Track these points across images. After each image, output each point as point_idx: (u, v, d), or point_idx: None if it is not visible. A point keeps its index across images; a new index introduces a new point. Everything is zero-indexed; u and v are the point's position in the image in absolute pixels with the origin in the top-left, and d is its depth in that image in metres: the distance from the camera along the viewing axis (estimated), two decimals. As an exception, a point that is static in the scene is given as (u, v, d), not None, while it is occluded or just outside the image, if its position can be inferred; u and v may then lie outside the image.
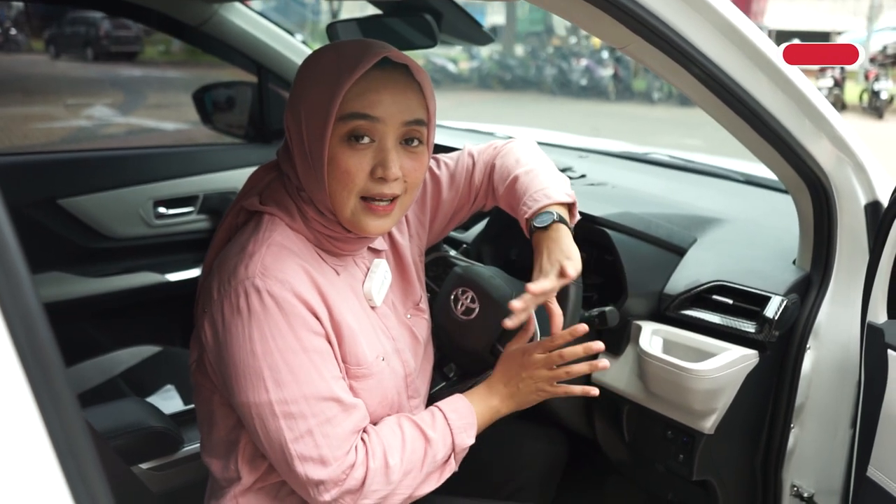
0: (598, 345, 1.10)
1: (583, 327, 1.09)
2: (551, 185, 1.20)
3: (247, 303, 0.93)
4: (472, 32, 1.61)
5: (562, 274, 1.07)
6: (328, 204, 1.00)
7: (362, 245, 1.10)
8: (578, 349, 1.09)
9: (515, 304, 1.05)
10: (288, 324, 0.93)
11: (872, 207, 1.26)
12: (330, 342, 0.99)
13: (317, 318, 0.97)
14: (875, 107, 13.33)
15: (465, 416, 1.08)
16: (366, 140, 0.97)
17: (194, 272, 2.36)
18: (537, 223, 1.14)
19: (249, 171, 1.13)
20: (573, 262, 1.08)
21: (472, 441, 1.08)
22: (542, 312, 1.34)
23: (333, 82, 0.95)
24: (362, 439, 1.00)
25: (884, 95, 13.27)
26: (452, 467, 1.08)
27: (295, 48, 2.29)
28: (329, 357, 0.98)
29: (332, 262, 1.06)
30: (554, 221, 1.13)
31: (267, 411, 0.93)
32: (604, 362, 1.11)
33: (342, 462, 0.95)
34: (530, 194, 1.19)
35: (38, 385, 0.44)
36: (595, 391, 1.13)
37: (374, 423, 1.07)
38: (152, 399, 1.87)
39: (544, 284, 1.05)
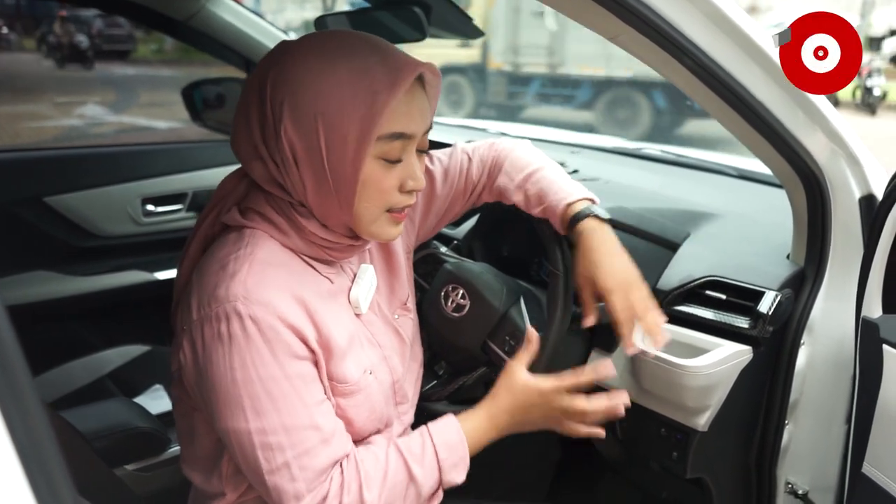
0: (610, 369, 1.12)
1: (611, 371, 1.13)
2: (576, 183, 1.23)
3: (227, 328, 0.88)
4: (461, 26, 1.59)
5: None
6: (347, 221, 0.95)
7: (358, 250, 1.06)
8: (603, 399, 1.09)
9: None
10: (270, 351, 0.89)
11: (867, 201, 1.25)
12: (317, 363, 0.95)
13: (303, 339, 0.92)
14: (868, 103, 13.36)
15: (457, 452, 1.02)
16: (399, 157, 0.95)
17: (184, 270, 2.34)
18: (598, 212, 1.17)
19: (239, 168, 1.08)
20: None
21: (461, 480, 1.02)
22: (534, 308, 1.33)
23: (368, 100, 0.87)
24: (340, 467, 0.95)
25: (876, 92, 13.29)
26: (439, 499, 1.03)
27: (284, 43, 2.27)
28: (313, 380, 0.94)
29: (324, 272, 1.01)
30: (607, 220, 1.17)
31: (245, 440, 0.90)
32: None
33: (315, 494, 0.92)
34: (563, 183, 1.21)
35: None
36: (601, 432, 1.11)
37: (362, 437, 1.03)
38: (140, 399, 1.84)
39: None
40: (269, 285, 0.90)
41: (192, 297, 0.93)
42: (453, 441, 1.02)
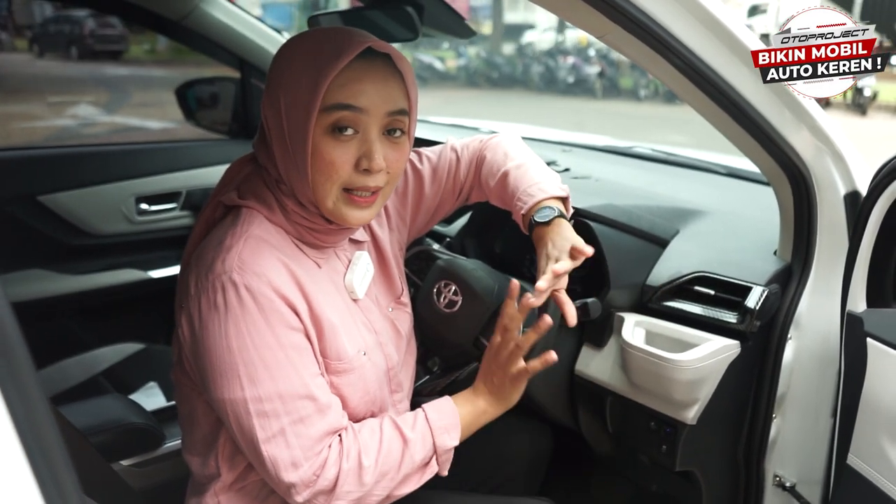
0: (546, 321, 1.06)
1: (532, 301, 1.06)
2: (544, 179, 1.20)
3: (223, 298, 0.91)
4: (454, 25, 1.60)
5: (573, 255, 1.06)
6: (310, 196, 0.98)
7: (343, 237, 1.09)
8: (532, 335, 1.07)
9: (540, 284, 1.03)
10: (265, 319, 0.92)
11: (852, 197, 1.27)
12: (309, 337, 0.97)
13: (295, 312, 0.95)
14: (858, 104, 13.40)
15: (446, 416, 1.06)
16: (350, 131, 0.96)
17: (177, 269, 2.33)
18: (538, 218, 1.14)
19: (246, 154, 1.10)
20: (581, 246, 1.07)
21: (455, 443, 1.05)
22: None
23: (316, 72, 0.93)
24: (339, 438, 0.98)
25: (867, 92, 13.33)
26: (434, 469, 1.05)
27: (277, 43, 2.28)
28: (307, 353, 0.96)
29: (313, 255, 1.04)
30: (555, 217, 1.13)
31: (241, 409, 0.92)
32: (552, 356, 1.07)
33: (313, 462, 0.94)
34: (524, 189, 1.19)
35: (5, 382, 0.43)
36: (553, 356, 1.08)
37: (356, 419, 1.05)
38: (135, 396, 1.86)
39: (563, 265, 1.04)
40: (263, 258, 0.94)
41: (189, 275, 0.97)
42: (442, 406, 1.07)
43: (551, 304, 1.19)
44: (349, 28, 0.99)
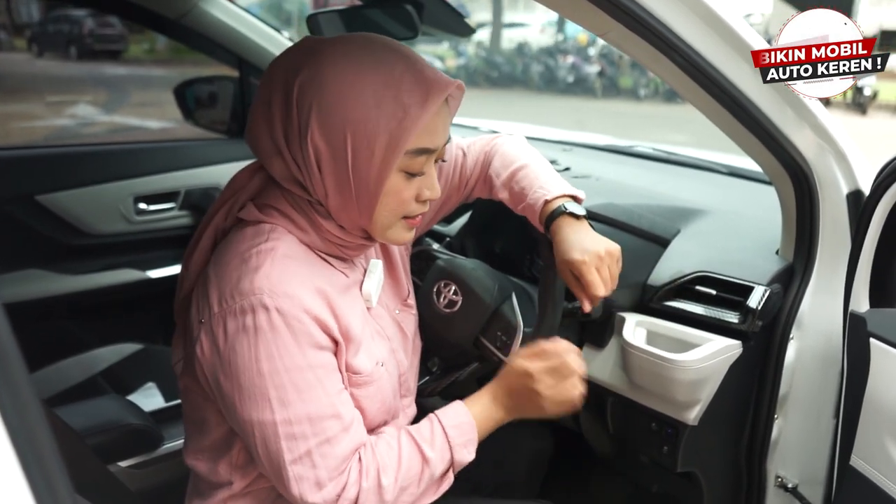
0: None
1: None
2: (560, 180, 1.22)
3: (254, 321, 0.89)
4: (453, 24, 1.60)
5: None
6: (364, 225, 0.97)
7: (369, 248, 1.08)
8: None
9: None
10: (296, 342, 0.90)
11: (854, 196, 1.26)
12: (337, 353, 0.96)
13: (326, 330, 0.93)
14: (858, 103, 13.40)
15: (466, 433, 1.04)
16: (422, 171, 0.97)
17: (176, 269, 2.34)
18: (571, 208, 1.15)
19: (231, 166, 1.08)
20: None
21: (472, 457, 1.04)
22: (526, 303, 1.34)
23: (398, 114, 0.89)
24: (359, 455, 0.97)
25: (867, 91, 13.34)
26: (450, 480, 1.05)
27: (277, 42, 2.27)
28: (334, 370, 0.95)
29: (340, 266, 1.03)
30: (583, 216, 1.16)
31: (270, 431, 0.91)
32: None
33: (337, 482, 0.93)
34: (546, 179, 1.21)
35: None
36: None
37: (372, 429, 1.05)
38: (134, 397, 1.85)
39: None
40: (292, 278, 0.92)
41: (210, 290, 0.94)
42: (462, 421, 1.04)
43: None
44: (408, 51, 0.95)
